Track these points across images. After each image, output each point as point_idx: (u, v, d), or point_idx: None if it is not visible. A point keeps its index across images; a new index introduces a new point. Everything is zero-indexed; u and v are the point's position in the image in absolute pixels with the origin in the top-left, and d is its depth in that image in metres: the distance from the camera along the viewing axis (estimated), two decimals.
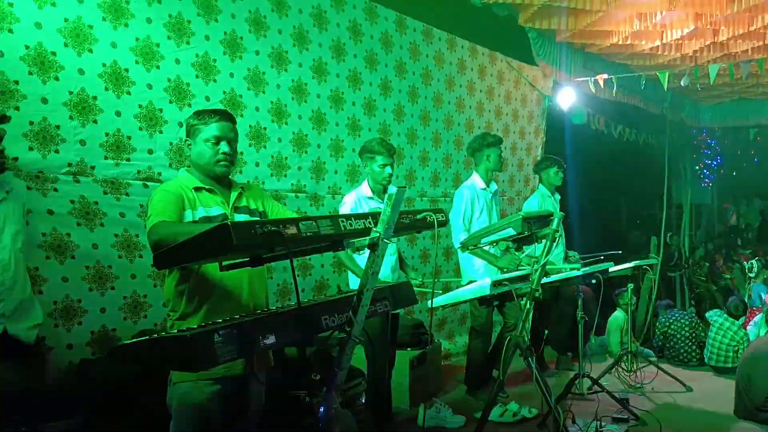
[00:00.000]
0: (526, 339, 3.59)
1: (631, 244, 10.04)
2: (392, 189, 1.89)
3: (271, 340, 1.84)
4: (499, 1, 6.19)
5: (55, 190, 3.40)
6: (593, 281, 4.65)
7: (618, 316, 6.41)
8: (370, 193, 3.87)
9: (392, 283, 2.55)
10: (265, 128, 4.52)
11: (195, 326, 1.90)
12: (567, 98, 7.64)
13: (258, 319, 1.88)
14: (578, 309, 4.48)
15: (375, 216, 1.96)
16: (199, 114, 2.57)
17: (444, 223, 2.27)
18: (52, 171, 3.39)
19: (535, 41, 7.20)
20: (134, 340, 1.79)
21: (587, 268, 4.49)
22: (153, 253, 2.14)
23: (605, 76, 7.26)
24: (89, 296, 3.53)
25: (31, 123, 3.30)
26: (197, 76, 4.09)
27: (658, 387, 5.15)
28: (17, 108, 3.23)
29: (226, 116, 2.59)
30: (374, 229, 1.92)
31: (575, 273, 4.38)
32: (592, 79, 7.33)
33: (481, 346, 4.72)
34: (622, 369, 5.35)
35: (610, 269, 4.84)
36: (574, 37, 7.11)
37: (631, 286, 5.66)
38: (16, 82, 3.24)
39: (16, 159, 3.21)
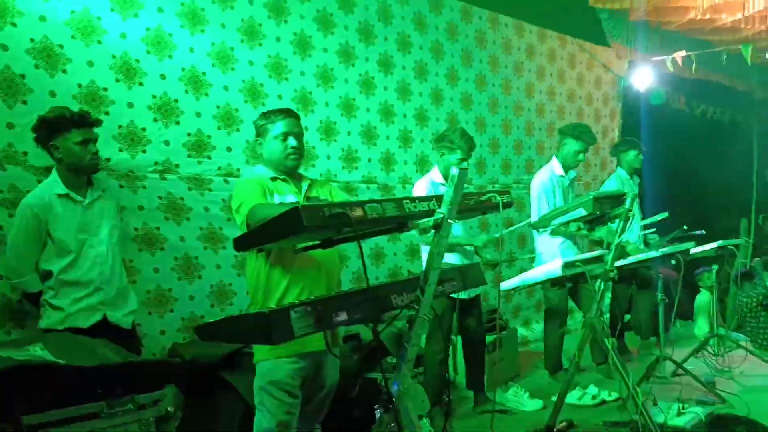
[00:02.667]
0: (602, 320, 3.55)
1: (719, 227, 9.58)
2: (454, 170, 1.95)
3: (342, 317, 1.95)
4: None
5: (144, 187, 3.66)
6: (673, 262, 4.51)
7: (703, 298, 6.17)
8: (441, 179, 3.95)
9: (461, 265, 2.62)
10: (335, 122, 4.67)
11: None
12: (643, 78, 7.40)
13: (331, 297, 2.00)
14: (659, 291, 4.38)
15: (439, 198, 2.03)
16: (266, 114, 2.79)
17: (509, 204, 2.31)
18: (141, 170, 3.65)
19: (606, 21, 7.00)
20: (217, 318, 1.95)
21: (666, 249, 4.36)
22: None
23: (683, 53, 6.99)
24: (178, 285, 3.79)
25: (120, 126, 3.57)
26: (270, 76, 4.28)
27: (748, 371, 4.94)
28: (107, 113, 3.50)
29: (290, 113, 2.78)
30: (438, 210, 1.99)
31: (653, 254, 4.27)
32: (670, 57, 7.06)
33: (556, 327, 4.70)
34: (709, 353, 5.16)
35: (692, 250, 4.68)
36: (649, 15, 6.85)
37: (716, 267, 5.43)
38: (105, 89, 3.51)
39: (108, 160, 3.48)
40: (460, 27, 5.67)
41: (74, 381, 2.13)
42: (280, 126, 2.72)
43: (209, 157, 3.95)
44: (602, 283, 3.44)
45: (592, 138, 4.75)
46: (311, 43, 4.51)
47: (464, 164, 3.92)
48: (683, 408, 3.78)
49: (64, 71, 3.36)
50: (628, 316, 5.84)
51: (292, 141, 2.72)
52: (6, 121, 3.16)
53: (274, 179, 2.70)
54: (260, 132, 2.77)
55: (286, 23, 4.37)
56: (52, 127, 2.94)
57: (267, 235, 1.87)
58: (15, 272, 2.96)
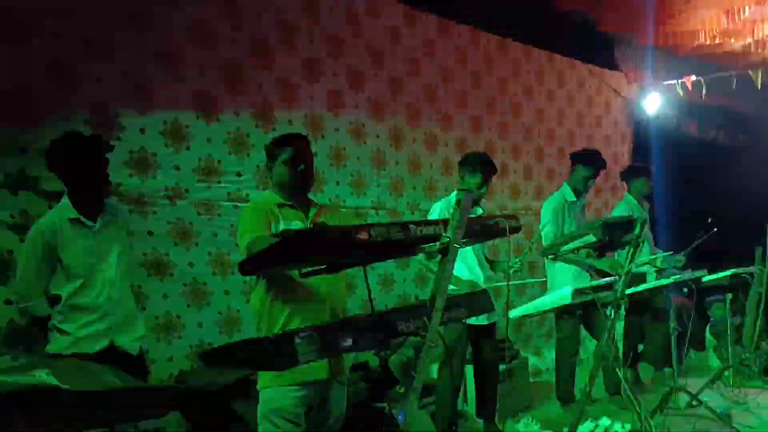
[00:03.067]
0: (613, 349, 3.49)
1: (732, 253, 9.45)
2: (459, 194, 1.94)
3: (348, 342, 1.92)
4: (576, 9, 6.11)
5: (154, 212, 3.67)
6: (684, 290, 4.44)
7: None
8: None
9: (468, 291, 2.59)
10: (344, 148, 4.69)
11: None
12: (654, 103, 7.39)
13: (337, 323, 1.98)
14: (671, 320, 4.30)
15: (445, 222, 2.01)
16: (276, 139, 2.81)
17: (517, 230, 2.28)
18: (151, 195, 3.67)
19: (616, 45, 7.04)
20: (221, 344, 1.93)
21: (677, 276, 4.30)
22: None
23: (693, 77, 6.98)
24: (187, 312, 3.78)
25: (131, 152, 3.60)
26: (281, 99, 4.30)
27: (765, 402, 4.81)
28: (119, 138, 3.53)
29: (300, 138, 2.80)
30: (444, 234, 1.98)
31: (664, 281, 4.21)
32: (680, 81, 7.06)
33: (568, 357, 4.62)
34: (725, 384, 5.04)
35: (704, 278, 4.61)
36: (658, 39, 6.89)
37: (729, 296, 5.34)
38: (116, 116, 3.55)
39: (119, 185, 3.50)
40: (469, 51, 5.70)
41: (77, 406, 2.10)
42: (289, 150, 2.72)
43: (219, 182, 3.97)
44: (613, 311, 3.38)
45: (602, 163, 4.72)
46: (319, 68, 4.55)
47: (484, 189, 3.93)
48: None
49: (75, 93, 3.40)
50: (641, 346, 5.75)
51: (301, 166, 2.72)
52: (18, 146, 3.18)
53: (281, 206, 2.69)
54: (270, 156, 2.78)
55: (296, 48, 4.40)
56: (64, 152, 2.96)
57: (272, 259, 1.86)
58: (24, 297, 2.95)
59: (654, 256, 4.79)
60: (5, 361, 3.02)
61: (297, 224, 2.64)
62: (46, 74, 3.31)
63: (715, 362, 5.92)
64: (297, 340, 1.76)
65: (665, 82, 7.33)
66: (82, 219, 2.99)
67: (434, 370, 4.15)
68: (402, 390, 3.69)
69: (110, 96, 3.53)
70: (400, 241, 1.89)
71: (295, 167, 2.70)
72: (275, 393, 2.52)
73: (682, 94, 7.20)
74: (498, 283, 4.05)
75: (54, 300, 2.94)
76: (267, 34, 4.25)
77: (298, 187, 2.73)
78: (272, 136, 4.09)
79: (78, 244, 2.96)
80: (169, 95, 3.77)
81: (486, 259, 4.15)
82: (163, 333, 3.67)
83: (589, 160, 4.64)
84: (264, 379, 2.57)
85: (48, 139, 3.04)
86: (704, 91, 7.04)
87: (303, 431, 2.58)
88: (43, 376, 2.29)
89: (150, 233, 3.65)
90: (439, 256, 2.01)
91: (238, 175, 4.06)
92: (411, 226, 1.95)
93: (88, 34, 3.45)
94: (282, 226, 2.59)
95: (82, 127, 3.33)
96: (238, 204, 4.02)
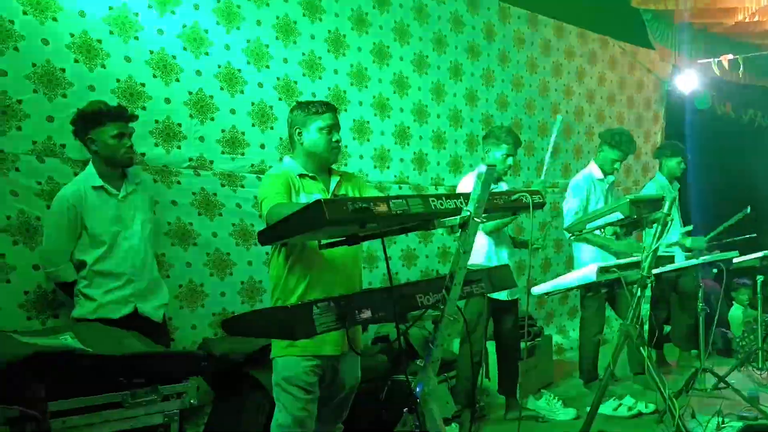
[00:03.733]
0: (638, 328, 3.44)
1: (766, 237, 9.23)
2: (481, 168, 1.90)
3: (366, 314, 1.91)
4: None
5: (179, 182, 3.69)
6: (714, 271, 4.35)
7: (735, 314, 5.92)
8: None
9: (490, 266, 2.56)
10: (368, 122, 4.65)
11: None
12: (688, 82, 7.20)
13: (355, 294, 1.97)
14: (699, 300, 4.22)
15: (466, 196, 1.98)
16: (309, 105, 2.70)
17: (541, 205, 2.24)
18: (175, 165, 3.68)
19: (650, 23, 6.85)
20: (242, 312, 1.95)
21: (707, 257, 4.21)
22: None
23: (730, 56, 6.77)
24: (210, 281, 3.81)
25: (156, 121, 3.61)
26: (304, 74, 4.28)
27: None
28: (144, 108, 3.55)
29: (333, 107, 2.73)
30: (465, 208, 1.95)
31: (693, 261, 4.13)
32: (716, 60, 6.85)
33: (592, 335, 4.58)
34: (754, 367, 4.95)
35: (735, 259, 4.51)
36: (694, 17, 6.69)
37: (761, 278, 5.21)
38: (143, 84, 3.56)
39: (143, 155, 3.53)
40: (497, 27, 5.60)
41: (99, 369, 2.15)
42: (326, 118, 2.65)
43: (243, 154, 3.97)
44: (639, 290, 3.33)
45: (630, 147, 4.61)
46: (345, 41, 4.51)
47: (510, 160, 3.90)
48: (723, 422, 3.63)
49: (103, 66, 3.42)
50: (668, 328, 5.67)
51: (335, 135, 2.68)
52: (46, 114, 3.22)
53: (302, 176, 2.66)
54: (301, 123, 2.67)
55: (321, 21, 4.37)
56: (89, 121, 3.00)
57: (290, 228, 1.85)
58: (50, 262, 3.02)
59: (671, 241, 4.66)
60: (34, 324, 3.12)
61: (318, 196, 2.62)
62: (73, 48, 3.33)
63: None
64: (315, 310, 1.76)
65: (700, 61, 7.11)
66: (107, 187, 3.04)
67: (456, 345, 4.15)
68: (422, 363, 3.70)
69: (136, 68, 3.54)
70: (420, 214, 1.88)
71: (330, 136, 2.67)
72: (288, 362, 2.54)
73: (718, 73, 6.98)
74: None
75: (79, 266, 3.01)
76: (292, 11, 4.22)
77: (330, 157, 2.69)
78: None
79: (102, 212, 3.01)
80: (194, 69, 3.77)
81: (511, 238, 4.12)
82: (186, 301, 3.72)
83: (617, 143, 4.55)
84: (277, 348, 2.59)
85: (75, 108, 3.09)
86: (741, 70, 6.82)
87: (316, 398, 2.60)
88: (68, 339, 2.35)
89: (174, 203, 3.68)
90: (460, 231, 1.99)
91: (262, 147, 4.06)
92: (431, 199, 1.92)
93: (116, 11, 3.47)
94: (302, 198, 2.58)
95: (108, 97, 3.37)
96: (261, 176, 4.02)
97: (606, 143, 4.61)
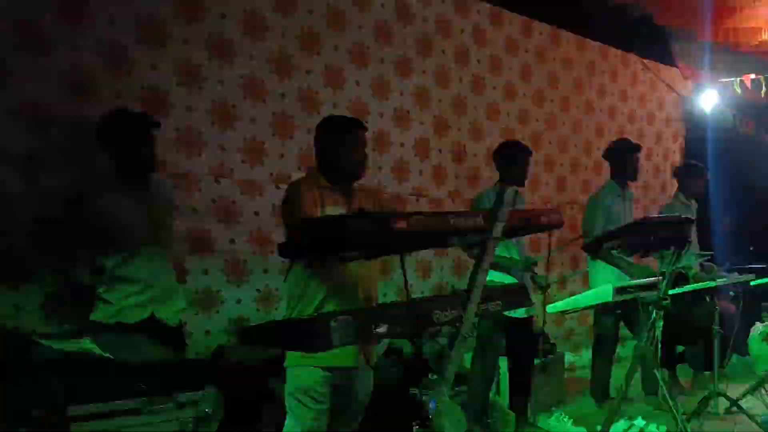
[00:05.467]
0: (652, 349, 3.42)
1: None
2: (501, 187, 1.92)
3: (383, 329, 1.93)
4: (631, 2, 5.93)
5: (199, 190, 3.74)
6: (731, 294, 4.31)
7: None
8: None
9: (506, 284, 2.57)
10: (387, 133, 4.68)
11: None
12: (710, 101, 7.15)
13: (372, 309, 1.98)
14: (714, 323, 4.18)
15: (485, 214, 1.99)
16: (339, 120, 2.75)
17: (560, 225, 2.24)
18: (196, 172, 3.73)
19: (673, 41, 6.82)
20: (260, 322, 1.97)
21: (724, 279, 4.18)
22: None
23: (753, 76, 6.72)
24: (226, 287, 3.85)
25: (178, 129, 3.66)
26: (325, 85, 4.32)
27: None
28: (167, 115, 3.59)
29: (363, 125, 2.77)
30: (483, 226, 1.95)
31: (711, 283, 4.09)
32: (738, 79, 6.80)
33: (605, 354, 4.56)
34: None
35: (752, 282, 4.46)
36: (718, 36, 6.65)
37: None
38: (167, 92, 3.61)
39: (165, 161, 3.56)
40: (519, 42, 5.61)
41: (118, 375, 2.18)
42: (356, 136, 2.70)
43: (262, 163, 4.01)
44: (655, 311, 3.31)
45: (631, 145, 4.66)
46: (368, 53, 4.54)
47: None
48: None
49: (129, 73, 3.47)
50: (681, 348, 5.61)
51: (363, 152, 2.73)
52: (73, 121, 3.27)
53: (324, 189, 2.69)
54: (330, 138, 2.70)
55: (344, 32, 4.41)
56: (112, 127, 3.04)
57: (311, 244, 1.88)
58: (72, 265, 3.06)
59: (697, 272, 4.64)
60: (54, 327, 3.17)
61: (339, 209, 2.64)
62: (101, 56, 3.39)
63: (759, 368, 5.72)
64: (333, 324, 1.78)
65: (722, 80, 7.07)
66: (128, 193, 3.07)
67: (468, 359, 4.14)
68: (434, 378, 3.69)
69: (161, 78, 3.59)
70: (439, 232, 1.89)
71: (360, 154, 2.70)
72: (301, 372, 2.56)
73: (739, 92, 6.93)
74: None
75: (99, 270, 3.04)
76: (316, 23, 4.26)
77: (355, 174, 2.72)
78: (316, 120, 4.18)
79: (123, 217, 3.04)
80: (217, 78, 3.82)
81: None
82: (202, 307, 3.75)
83: (614, 154, 4.57)
84: (291, 357, 2.60)
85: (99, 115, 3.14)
86: (764, 90, 6.77)
87: (327, 409, 2.61)
88: (87, 343, 2.38)
89: (194, 210, 3.72)
90: (477, 248, 2.00)
91: (281, 156, 4.10)
92: (450, 216, 1.94)
93: (144, 20, 3.53)
94: (325, 211, 2.60)
95: (132, 105, 3.42)
96: (280, 185, 4.06)
97: (608, 160, 4.64)
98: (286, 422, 2.64)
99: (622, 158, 4.61)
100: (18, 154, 3.12)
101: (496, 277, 3.66)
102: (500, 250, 3.76)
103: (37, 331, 2.98)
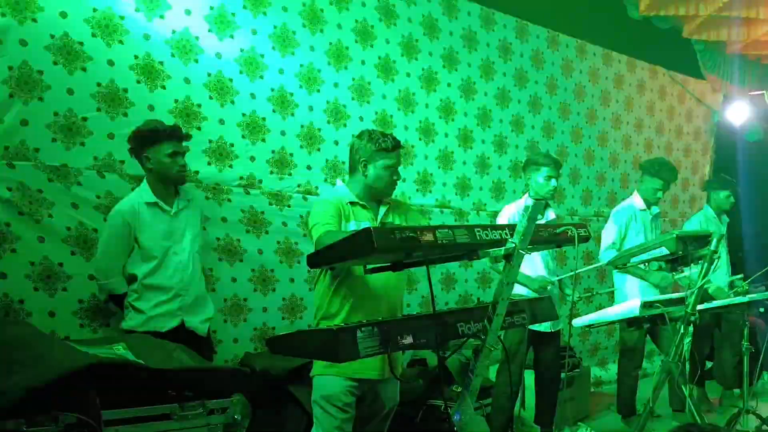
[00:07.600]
0: (680, 365, 3.38)
1: None
2: (529, 201, 1.94)
3: (408, 340, 1.96)
4: (660, 14, 5.91)
5: (229, 200, 3.81)
6: (761, 310, 4.25)
7: None
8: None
9: (532, 297, 2.58)
10: (413, 146, 4.72)
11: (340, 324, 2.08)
12: (739, 114, 7.07)
13: (397, 320, 2.01)
14: (744, 339, 4.12)
15: (512, 227, 2.01)
16: (379, 138, 2.74)
17: (586, 239, 2.25)
18: (227, 183, 3.81)
19: (702, 54, 6.76)
20: (288, 332, 2.01)
21: (754, 295, 4.12)
22: None
23: None
24: (254, 296, 3.91)
25: (210, 141, 3.75)
26: (353, 98, 4.38)
27: None
28: (199, 128, 3.69)
29: (400, 144, 2.81)
30: (510, 239, 1.97)
31: (739, 299, 4.04)
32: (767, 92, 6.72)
33: (631, 369, 4.51)
34: None
35: None
36: (747, 48, 6.58)
37: None
38: (199, 105, 3.70)
39: (196, 173, 3.66)
40: (545, 55, 5.62)
41: (150, 381, 2.23)
42: (393, 157, 2.74)
43: (290, 175, 4.08)
44: (682, 327, 3.28)
45: (671, 175, 4.58)
46: (394, 67, 4.60)
47: (553, 181, 3.86)
48: None
49: (163, 87, 3.57)
50: (710, 364, 5.53)
51: (398, 173, 2.79)
52: (108, 132, 3.38)
53: (353, 204, 2.73)
54: (368, 155, 2.72)
55: (372, 47, 4.47)
56: (145, 139, 3.12)
57: (338, 254, 1.92)
58: (103, 274, 3.14)
59: (719, 288, 4.59)
60: (85, 332, 3.25)
61: (366, 224, 2.68)
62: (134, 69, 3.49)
63: None
64: (359, 334, 1.81)
65: (752, 92, 6.99)
66: (159, 203, 3.15)
67: (493, 372, 4.14)
68: (458, 389, 3.70)
69: (194, 90, 3.69)
70: (465, 245, 1.91)
71: (395, 175, 2.76)
72: (327, 381, 2.61)
73: None
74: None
75: (130, 279, 3.12)
76: (344, 38, 4.33)
77: (388, 193, 2.79)
78: (342, 132, 4.26)
79: (154, 227, 3.12)
80: (248, 92, 3.90)
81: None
82: (230, 315, 3.82)
83: (657, 171, 4.53)
84: (317, 366, 2.65)
85: (134, 126, 3.23)
86: None
87: (352, 418, 2.64)
88: (120, 350, 2.45)
89: (224, 219, 3.79)
90: (504, 261, 2.01)
91: (308, 168, 4.16)
92: (477, 229, 1.96)
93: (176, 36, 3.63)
94: (351, 226, 2.64)
95: (166, 117, 3.51)
96: (307, 196, 4.12)
97: (647, 173, 4.59)
98: (312, 430, 2.68)
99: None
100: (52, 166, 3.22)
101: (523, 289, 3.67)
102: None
103: (70, 335, 3.08)
